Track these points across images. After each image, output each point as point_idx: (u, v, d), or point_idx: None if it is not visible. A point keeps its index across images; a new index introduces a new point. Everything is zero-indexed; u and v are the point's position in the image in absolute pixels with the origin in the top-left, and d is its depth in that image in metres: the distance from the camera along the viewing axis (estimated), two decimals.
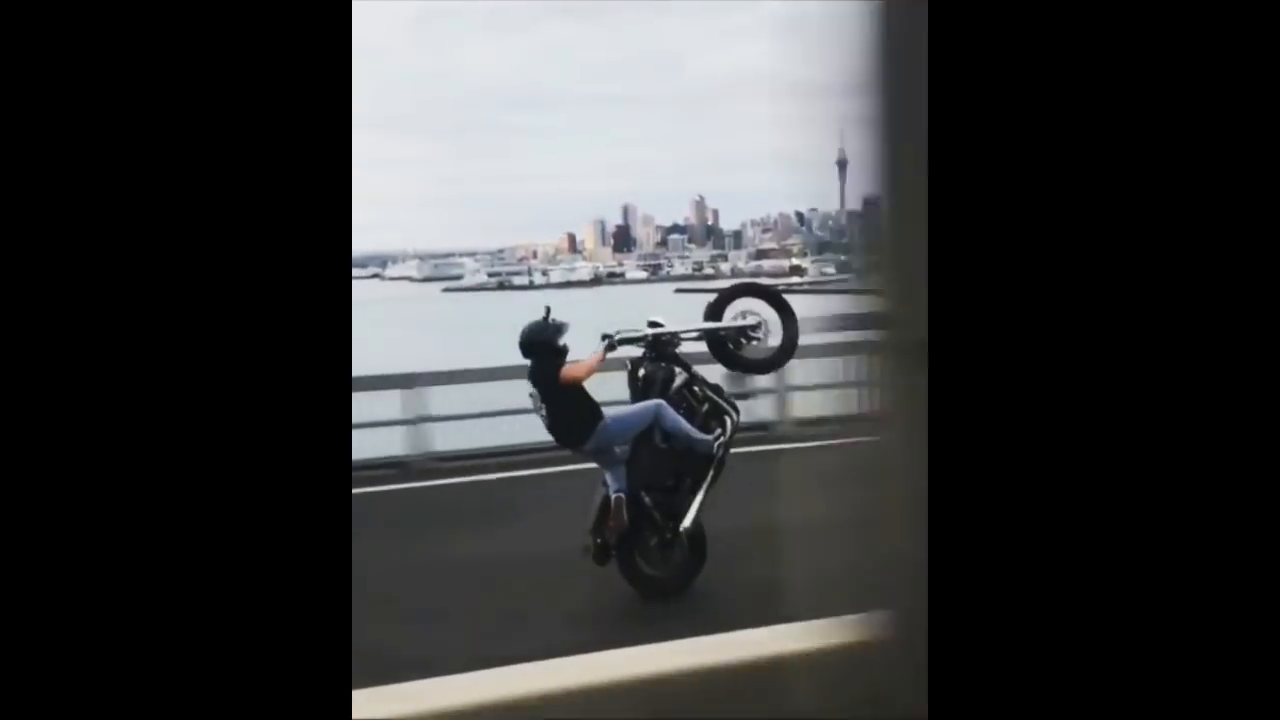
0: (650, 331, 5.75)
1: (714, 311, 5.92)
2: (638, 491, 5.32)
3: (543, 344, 5.34)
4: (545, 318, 5.47)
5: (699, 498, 5.36)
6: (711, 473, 5.41)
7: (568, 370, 5.23)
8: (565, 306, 5.99)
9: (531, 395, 5.31)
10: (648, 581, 5.33)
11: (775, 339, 5.81)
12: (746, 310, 5.90)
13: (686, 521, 5.33)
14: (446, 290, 63.38)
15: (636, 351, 5.59)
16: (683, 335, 5.83)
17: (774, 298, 6.24)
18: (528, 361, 5.32)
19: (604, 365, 5.37)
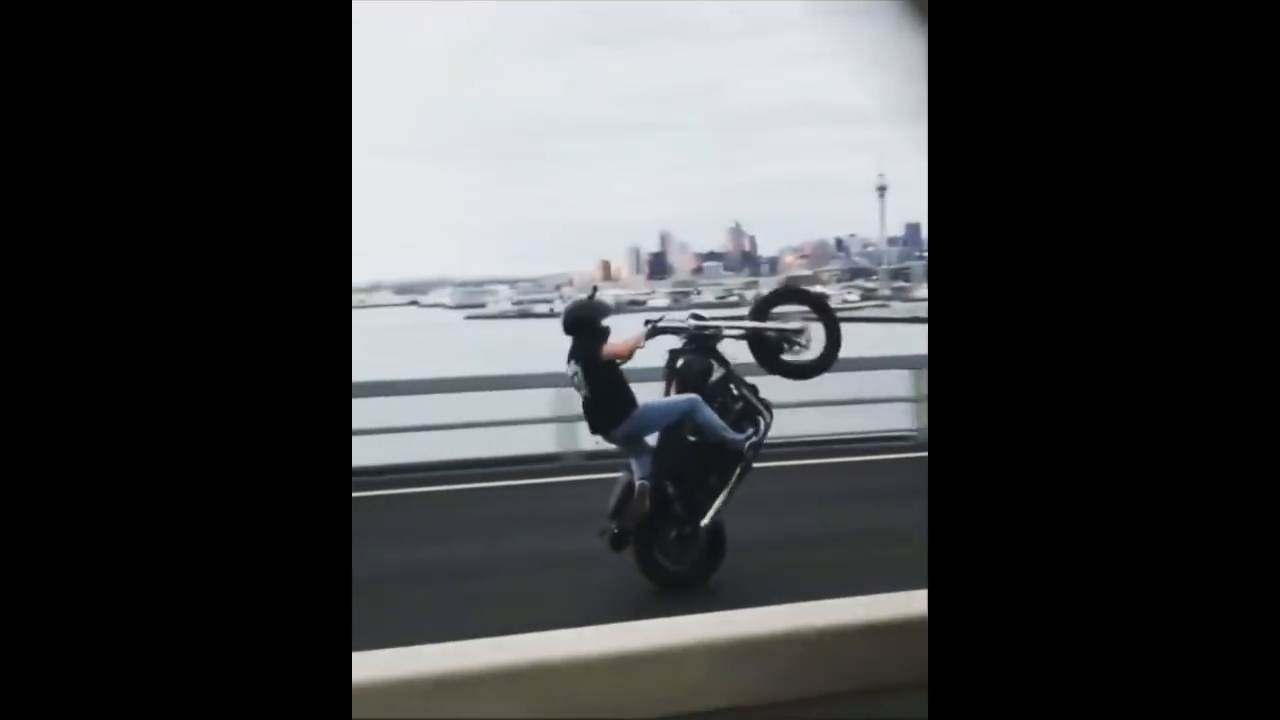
0: (693, 322, 5.66)
1: (758, 312, 5.78)
2: (662, 482, 5.28)
3: (586, 321, 5.40)
4: (590, 296, 5.53)
5: (723, 495, 5.30)
6: (738, 471, 5.34)
7: (609, 347, 5.29)
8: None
9: (574, 375, 5.37)
10: (663, 574, 5.29)
11: (817, 347, 5.64)
12: (793, 314, 5.75)
13: (707, 518, 5.28)
14: (469, 318, 65.69)
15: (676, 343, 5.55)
16: (726, 331, 5.70)
17: (819, 305, 6.06)
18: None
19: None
